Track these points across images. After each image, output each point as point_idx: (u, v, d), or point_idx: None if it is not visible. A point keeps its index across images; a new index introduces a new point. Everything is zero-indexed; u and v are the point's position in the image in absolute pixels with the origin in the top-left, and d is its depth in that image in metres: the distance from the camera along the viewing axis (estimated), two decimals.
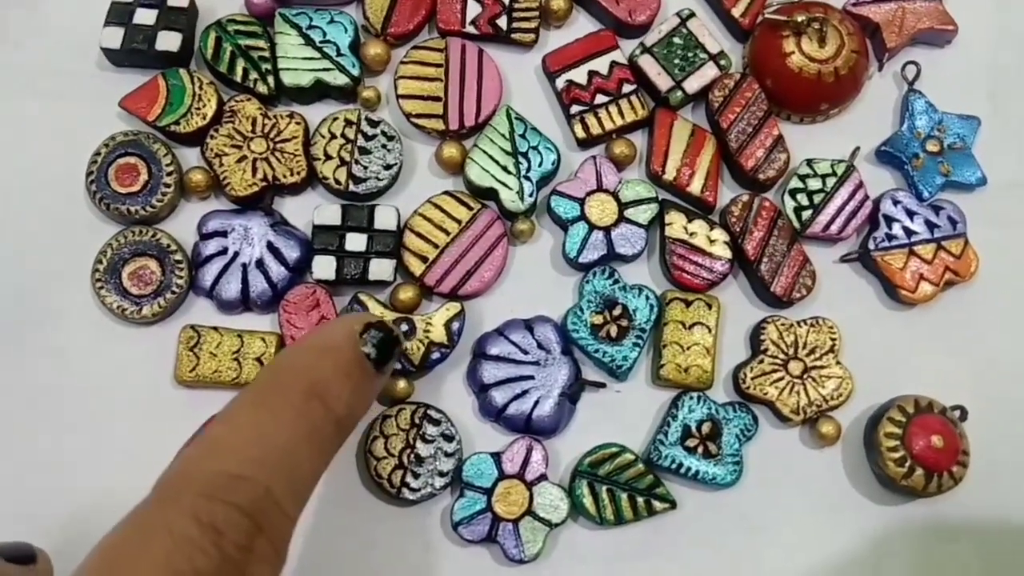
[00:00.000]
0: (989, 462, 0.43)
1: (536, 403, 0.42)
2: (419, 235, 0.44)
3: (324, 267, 0.43)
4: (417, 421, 0.42)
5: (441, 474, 0.41)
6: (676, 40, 0.46)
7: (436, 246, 0.44)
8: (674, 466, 0.42)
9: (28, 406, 0.42)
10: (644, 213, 0.44)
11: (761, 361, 0.43)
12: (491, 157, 0.45)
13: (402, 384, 0.42)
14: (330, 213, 0.44)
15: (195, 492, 0.28)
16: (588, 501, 0.42)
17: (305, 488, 0.31)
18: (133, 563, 0.26)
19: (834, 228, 0.45)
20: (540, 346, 0.43)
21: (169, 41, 0.45)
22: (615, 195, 0.45)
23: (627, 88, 0.46)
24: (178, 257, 0.43)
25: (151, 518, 0.27)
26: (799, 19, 0.44)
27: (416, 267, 0.44)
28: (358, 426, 0.41)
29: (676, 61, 0.46)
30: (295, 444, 0.30)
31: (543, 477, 0.42)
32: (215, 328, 0.43)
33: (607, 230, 0.44)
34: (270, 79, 0.45)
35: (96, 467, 0.42)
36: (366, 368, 0.33)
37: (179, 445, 0.41)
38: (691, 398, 0.43)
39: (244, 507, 0.27)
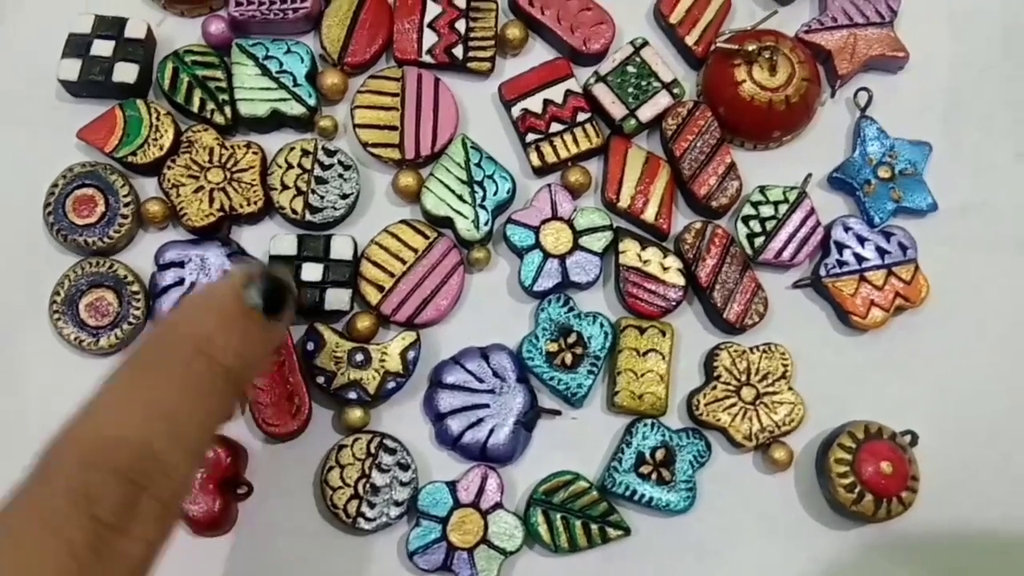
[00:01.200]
0: (940, 485, 0.43)
1: (491, 431, 0.43)
2: (375, 264, 0.44)
3: None
4: (373, 450, 0.42)
5: (396, 503, 0.42)
6: (630, 69, 0.46)
7: (392, 275, 0.44)
8: (628, 493, 0.42)
9: None
10: (599, 241, 0.45)
11: (714, 387, 0.44)
12: (447, 186, 0.45)
13: (358, 413, 0.43)
14: (286, 243, 0.44)
15: (71, 463, 0.29)
16: (543, 529, 0.42)
17: (195, 441, 0.31)
18: (11, 554, 0.27)
19: (786, 255, 0.45)
20: (496, 374, 0.43)
21: (126, 73, 0.45)
22: (570, 223, 0.45)
23: (582, 116, 0.46)
24: (135, 288, 0.44)
25: (26, 502, 0.28)
26: (750, 48, 0.45)
27: (372, 296, 0.44)
28: (315, 453, 0.43)
29: (630, 90, 0.46)
30: (179, 400, 0.30)
31: (498, 505, 0.42)
32: None
33: (562, 258, 0.45)
34: (227, 109, 0.46)
35: None
36: (253, 319, 0.33)
37: None
38: (645, 425, 0.43)
39: (122, 469, 0.28)
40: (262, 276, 0.33)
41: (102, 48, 0.45)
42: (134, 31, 0.46)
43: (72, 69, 0.45)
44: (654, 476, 0.43)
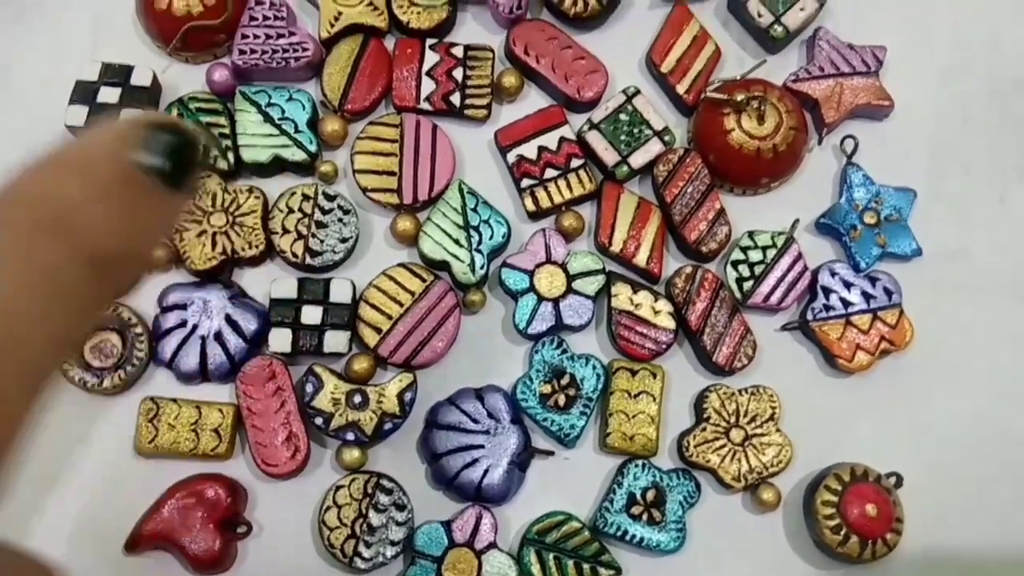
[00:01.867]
0: (924, 527, 0.44)
1: (486, 471, 0.44)
2: (373, 306, 0.45)
3: (280, 340, 0.45)
4: (370, 491, 0.43)
5: (392, 543, 0.43)
6: (622, 116, 0.48)
7: (390, 317, 0.45)
8: (619, 533, 0.43)
9: None
10: (591, 284, 0.46)
11: (704, 429, 0.45)
12: (444, 231, 0.46)
13: (356, 454, 0.44)
14: (286, 287, 0.45)
15: None
16: (536, 569, 0.43)
17: (37, 353, 0.23)
18: None
19: (774, 299, 0.46)
20: (490, 415, 0.44)
21: None
22: (564, 267, 0.46)
23: (575, 162, 0.47)
24: (139, 330, 0.45)
25: None
26: (738, 98, 0.46)
27: (370, 338, 0.45)
28: (314, 492, 0.44)
29: (622, 137, 0.47)
30: (15, 297, 0.22)
31: (492, 545, 0.43)
32: (174, 400, 0.44)
33: (556, 301, 0.46)
34: (230, 155, 0.47)
35: (58, 535, 0.43)
36: (137, 186, 0.24)
37: (140, 514, 0.43)
38: (636, 466, 0.44)
39: None
40: (162, 127, 0.25)
41: (109, 95, 0.47)
42: (140, 79, 0.47)
43: (79, 115, 0.46)
44: (645, 516, 0.44)
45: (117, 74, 0.47)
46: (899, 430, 0.46)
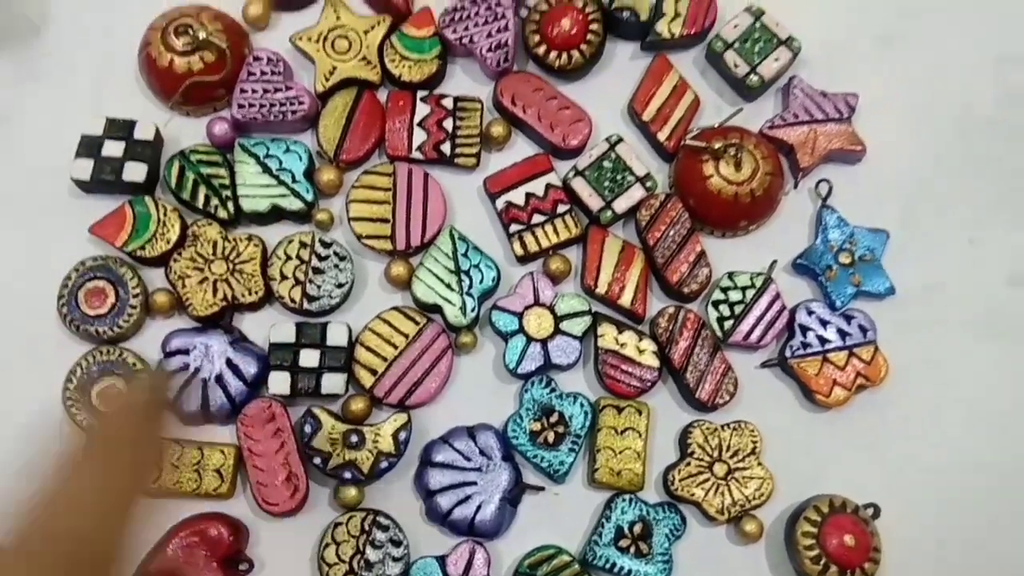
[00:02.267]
0: (901, 556, 0.46)
1: (479, 507, 0.45)
2: (369, 349, 0.47)
3: (279, 383, 0.46)
4: (367, 527, 0.45)
5: None
6: (606, 164, 0.50)
7: (385, 359, 0.47)
8: (608, 566, 0.45)
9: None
10: (578, 325, 0.48)
11: (688, 463, 0.46)
12: (436, 275, 0.48)
13: (353, 492, 0.45)
14: (285, 331, 0.47)
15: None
16: None
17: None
18: None
19: (754, 337, 0.48)
20: (482, 453, 0.46)
21: (136, 172, 0.48)
22: (551, 308, 0.48)
23: (562, 208, 0.49)
24: (144, 375, 0.46)
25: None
26: (716, 145, 0.48)
27: (366, 379, 0.47)
28: (313, 529, 0.45)
29: (606, 183, 0.49)
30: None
31: None
32: (176, 440, 0.46)
33: (544, 342, 0.47)
34: (230, 205, 0.49)
35: None
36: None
37: (144, 553, 0.44)
38: (623, 500, 0.46)
39: None
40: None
41: (113, 149, 0.49)
42: (143, 133, 0.49)
43: (85, 168, 0.48)
44: (632, 549, 0.45)
45: (121, 128, 0.49)
46: (876, 462, 0.47)
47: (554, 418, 0.47)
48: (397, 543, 0.45)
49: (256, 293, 0.48)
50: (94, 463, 0.35)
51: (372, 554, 0.44)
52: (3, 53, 0.51)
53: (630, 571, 0.45)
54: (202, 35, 0.49)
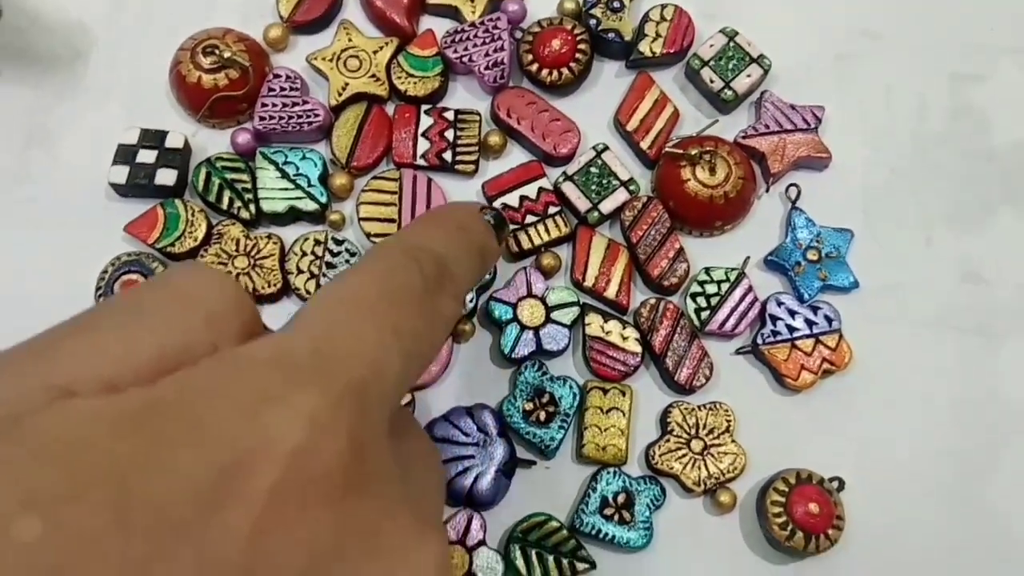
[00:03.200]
0: (863, 524, 0.50)
1: (476, 478, 0.49)
2: None
3: None
4: None
5: None
6: (593, 169, 0.55)
7: None
8: (594, 532, 0.49)
9: None
10: (567, 315, 0.52)
11: (668, 440, 0.51)
12: None
13: None
14: None
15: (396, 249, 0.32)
16: (520, 563, 0.48)
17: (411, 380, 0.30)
18: (357, 276, 0.30)
19: (728, 326, 0.52)
20: (480, 429, 0.50)
21: (167, 176, 0.53)
22: (543, 300, 0.53)
23: (552, 209, 0.54)
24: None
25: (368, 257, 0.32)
26: (693, 152, 0.53)
27: None
28: None
29: (593, 187, 0.54)
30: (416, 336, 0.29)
31: (481, 543, 0.49)
32: None
33: (536, 330, 0.52)
34: (251, 207, 0.53)
35: None
36: (490, 249, 0.38)
37: None
38: (608, 473, 0.50)
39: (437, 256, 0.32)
40: (482, 209, 0.39)
41: (146, 156, 0.54)
42: (173, 142, 0.54)
43: (121, 174, 0.53)
44: (616, 517, 0.49)
45: (153, 138, 0.54)
46: (840, 441, 0.52)
47: (545, 399, 0.51)
48: None
49: (275, 285, 0.52)
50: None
51: None
52: (49, 74, 0.57)
53: (614, 537, 0.49)
54: (227, 55, 0.54)
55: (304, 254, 0.53)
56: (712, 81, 0.56)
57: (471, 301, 0.52)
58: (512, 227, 0.54)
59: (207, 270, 0.27)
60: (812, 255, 0.54)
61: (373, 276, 0.29)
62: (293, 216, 0.54)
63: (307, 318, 0.27)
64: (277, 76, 0.55)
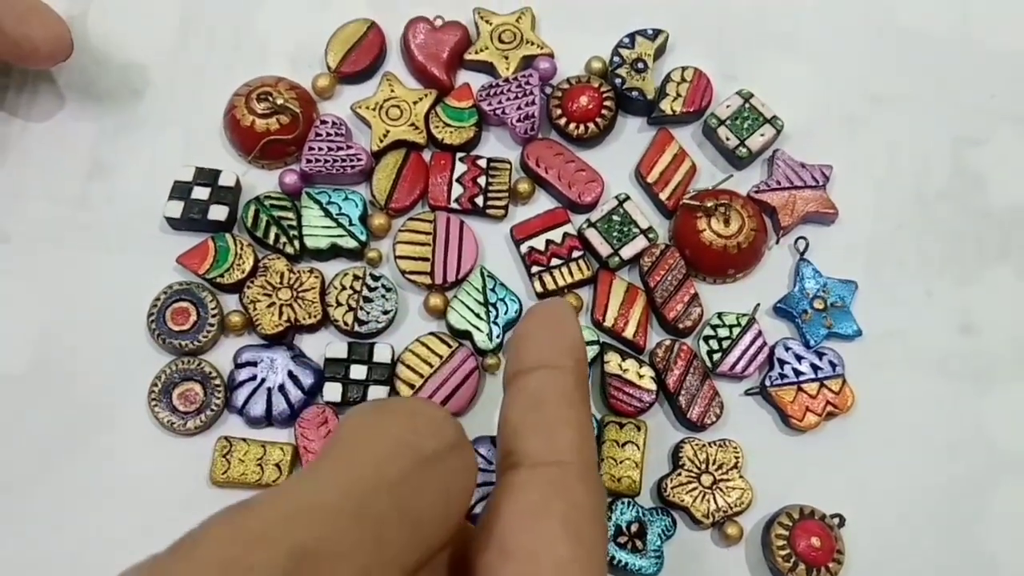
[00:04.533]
0: (864, 559, 0.53)
1: None
2: (408, 367, 0.55)
3: (332, 392, 0.54)
4: None
5: None
6: (615, 217, 0.58)
7: (422, 376, 0.55)
8: (608, 558, 0.52)
9: (86, 496, 0.53)
10: (588, 353, 0.56)
11: (679, 474, 0.54)
12: (467, 306, 0.56)
13: None
14: (338, 349, 0.55)
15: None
16: None
17: None
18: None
19: (739, 368, 0.56)
20: None
21: (218, 212, 0.57)
22: None
23: (576, 254, 0.58)
24: (217, 382, 0.54)
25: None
26: (709, 205, 0.57)
27: (405, 392, 0.55)
28: None
29: (614, 233, 0.58)
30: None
31: None
32: (243, 439, 0.53)
33: None
34: (296, 242, 0.57)
35: (143, 550, 0.51)
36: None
37: None
38: (623, 503, 0.53)
39: None
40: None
41: (200, 193, 0.57)
42: (226, 180, 0.58)
43: (176, 208, 0.57)
44: (629, 545, 0.52)
45: (207, 176, 0.58)
46: (841, 479, 0.54)
47: None
48: None
49: (315, 317, 0.56)
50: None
51: None
52: (109, 113, 0.61)
53: (627, 564, 0.52)
54: (279, 101, 0.58)
55: (343, 288, 0.56)
56: (728, 139, 0.60)
57: (498, 337, 0.56)
58: (538, 269, 0.57)
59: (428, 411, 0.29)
60: (819, 304, 0.57)
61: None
62: (334, 252, 0.58)
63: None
64: (324, 122, 0.59)
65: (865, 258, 0.59)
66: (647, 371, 0.55)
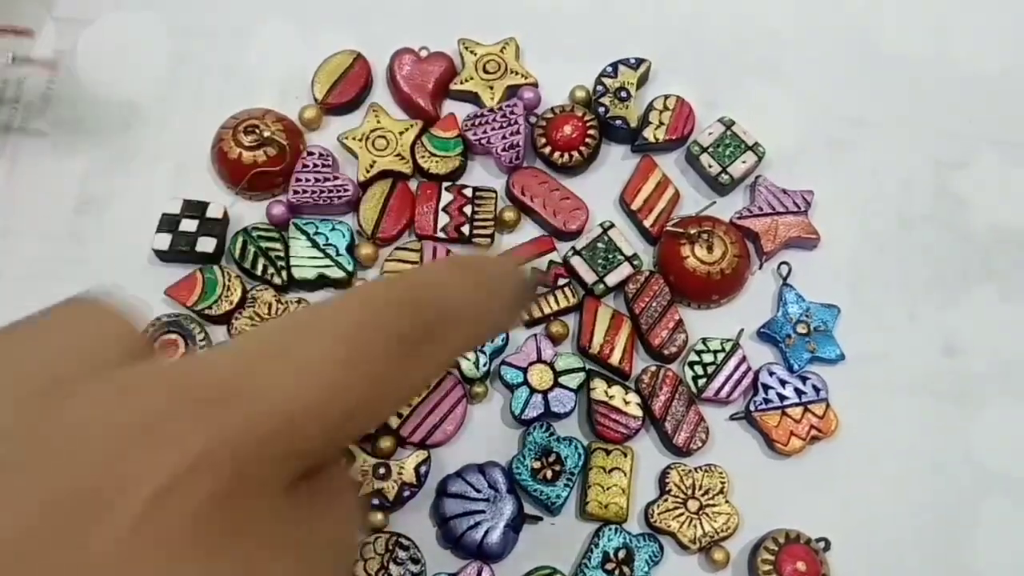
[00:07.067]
0: None
1: (486, 532, 0.53)
2: None
3: None
4: (390, 547, 0.53)
5: None
6: (600, 245, 0.59)
7: (409, 404, 0.55)
8: None
9: None
10: (574, 380, 0.56)
11: (666, 500, 0.54)
12: None
13: (379, 517, 0.53)
14: None
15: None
16: None
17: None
18: (333, 303, 0.27)
19: (724, 393, 0.56)
20: (491, 486, 0.54)
21: (206, 244, 0.58)
22: (551, 365, 0.56)
23: (562, 281, 0.58)
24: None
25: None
26: (692, 231, 0.58)
27: (393, 421, 0.55)
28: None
29: (599, 261, 0.58)
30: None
31: None
32: None
33: (545, 393, 0.56)
34: (284, 273, 0.58)
35: None
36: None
37: None
38: (610, 529, 0.53)
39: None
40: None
41: (188, 225, 0.58)
42: (213, 212, 0.58)
43: (164, 241, 0.58)
44: (617, 572, 0.53)
45: (195, 208, 0.58)
46: (826, 503, 0.55)
47: (552, 458, 0.55)
48: (416, 560, 0.53)
49: None
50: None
51: (394, 570, 0.52)
52: (99, 146, 0.62)
53: None
54: (266, 133, 0.59)
55: None
56: (710, 166, 0.60)
57: (484, 366, 0.56)
58: None
59: (82, 303, 0.26)
60: (802, 328, 0.58)
61: (349, 308, 0.26)
62: (322, 283, 0.58)
63: (251, 337, 0.26)
64: (311, 153, 0.60)
65: (848, 282, 0.60)
66: (633, 397, 0.56)
